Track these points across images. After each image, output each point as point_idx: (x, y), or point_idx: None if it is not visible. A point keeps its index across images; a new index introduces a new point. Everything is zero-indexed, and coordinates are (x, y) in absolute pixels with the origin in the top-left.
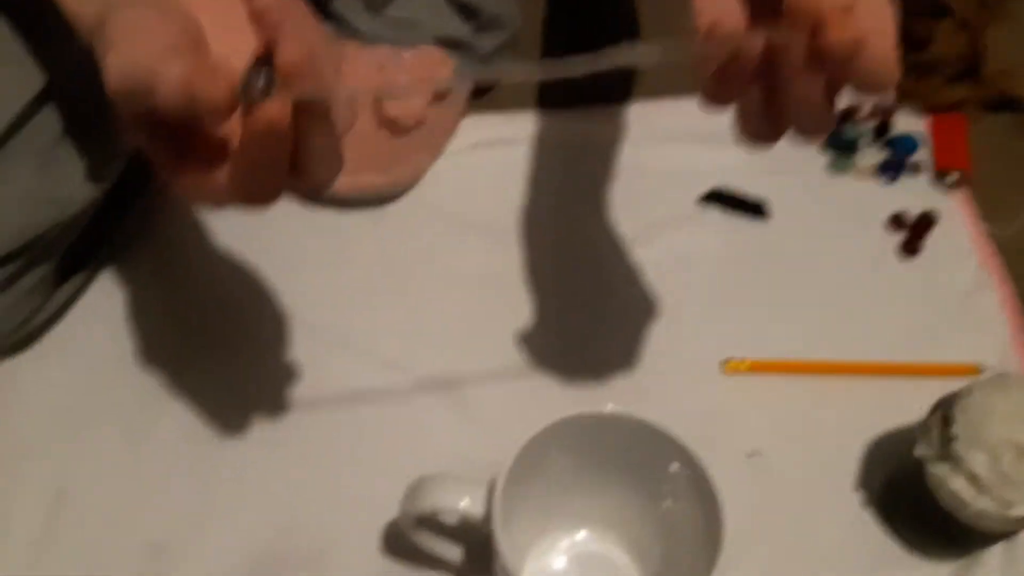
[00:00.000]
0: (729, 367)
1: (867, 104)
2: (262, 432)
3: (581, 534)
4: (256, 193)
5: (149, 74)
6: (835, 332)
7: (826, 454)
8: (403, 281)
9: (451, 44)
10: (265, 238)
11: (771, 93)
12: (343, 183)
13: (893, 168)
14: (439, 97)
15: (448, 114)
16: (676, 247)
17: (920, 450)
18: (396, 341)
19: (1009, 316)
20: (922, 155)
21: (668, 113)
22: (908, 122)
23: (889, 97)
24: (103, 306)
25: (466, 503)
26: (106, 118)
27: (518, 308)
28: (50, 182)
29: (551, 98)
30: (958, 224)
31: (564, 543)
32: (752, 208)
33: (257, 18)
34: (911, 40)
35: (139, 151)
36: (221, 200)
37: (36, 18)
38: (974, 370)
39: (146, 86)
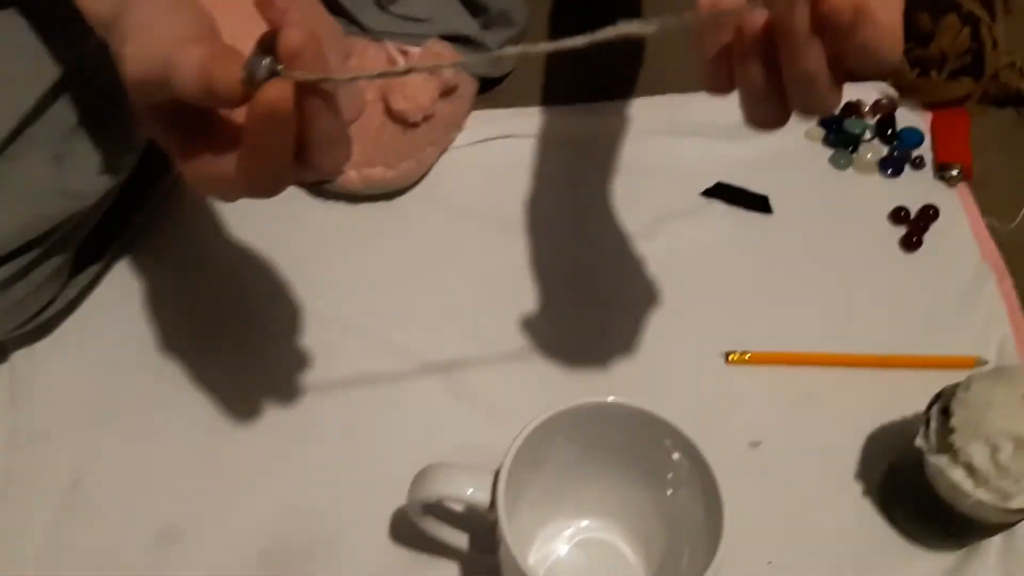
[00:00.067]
0: (731, 359)
1: (870, 98)
2: (273, 420)
3: (585, 522)
4: (262, 180)
5: (166, 62)
6: (837, 325)
7: (827, 445)
8: (412, 272)
9: (459, 40)
10: (277, 230)
11: (774, 71)
12: (351, 176)
13: (895, 163)
14: (447, 92)
15: (455, 109)
16: (680, 240)
17: (920, 441)
18: (405, 331)
19: (1009, 310)
20: (924, 150)
21: (672, 108)
22: (910, 117)
23: (892, 91)
24: (118, 296)
25: (472, 492)
26: (121, 110)
27: (525, 300)
28: (65, 174)
29: (557, 94)
30: (959, 218)
31: (568, 531)
32: (756, 202)
33: (264, 5)
34: (914, 35)
35: (153, 143)
36: (229, 190)
37: (51, 10)
38: (974, 363)
39: (164, 74)
